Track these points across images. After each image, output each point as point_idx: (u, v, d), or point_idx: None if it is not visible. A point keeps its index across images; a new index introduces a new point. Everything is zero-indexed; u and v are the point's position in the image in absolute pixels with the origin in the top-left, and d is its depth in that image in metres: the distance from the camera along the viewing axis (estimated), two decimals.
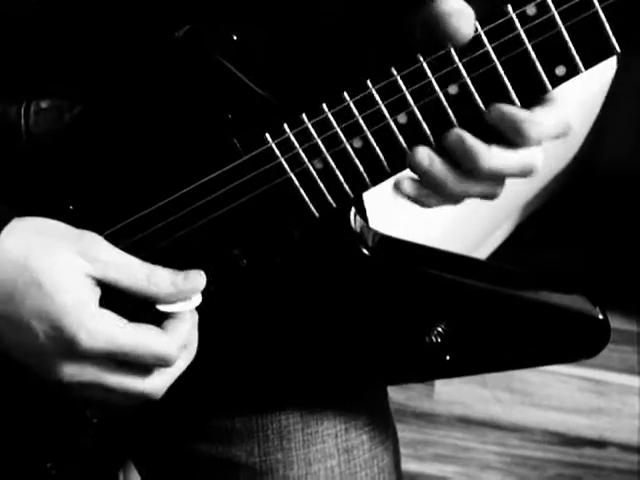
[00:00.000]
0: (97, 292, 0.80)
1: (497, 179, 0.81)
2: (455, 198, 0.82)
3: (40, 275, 0.78)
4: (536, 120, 0.78)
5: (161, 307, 0.82)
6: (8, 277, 0.78)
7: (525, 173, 0.80)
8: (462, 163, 0.80)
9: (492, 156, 0.79)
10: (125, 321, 0.80)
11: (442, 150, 0.81)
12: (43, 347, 0.79)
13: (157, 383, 0.82)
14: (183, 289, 0.82)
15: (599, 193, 2.57)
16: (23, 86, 0.88)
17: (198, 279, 0.83)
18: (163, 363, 0.81)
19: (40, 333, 0.78)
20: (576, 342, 0.90)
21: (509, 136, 0.79)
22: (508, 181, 0.83)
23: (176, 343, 0.81)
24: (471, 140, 0.79)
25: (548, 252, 2.47)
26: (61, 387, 0.81)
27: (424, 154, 0.80)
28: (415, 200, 0.82)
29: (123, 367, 0.80)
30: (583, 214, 2.56)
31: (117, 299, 0.81)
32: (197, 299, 0.84)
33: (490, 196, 0.83)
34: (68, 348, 0.78)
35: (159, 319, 0.82)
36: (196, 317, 0.86)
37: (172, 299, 0.82)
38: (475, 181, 0.80)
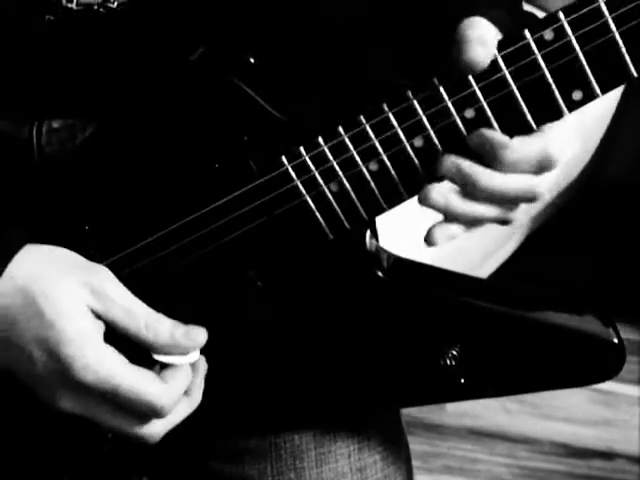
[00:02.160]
0: (101, 326, 0.80)
1: (504, 202, 0.81)
2: (471, 222, 0.83)
3: (43, 304, 0.78)
4: (512, 147, 0.78)
5: (156, 356, 0.82)
6: (13, 304, 0.78)
7: (527, 198, 0.81)
8: (462, 186, 0.81)
9: (491, 178, 0.79)
10: (127, 362, 0.80)
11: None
12: (41, 375, 0.79)
13: (152, 430, 0.82)
14: (181, 343, 0.82)
15: (606, 206, 2.57)
16: (35, 106, 0.88)
17: (198, 336, 0.83)
18: (155, 414, 0.80)
19: (39, 361, 0.78)
20: (591, 366, 0.89)
21: (488, 161, 0.79)
22: None
23: (171, 395, 0.81)
24: (466, 164, 0.80)
25: (556, 262, 2.47)
26: (63, 413, 0.82)
27: (439, 193, 0.81)
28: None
29: (119, 408, 0.80)
30: (591, 225, 2.56)
31: (119, 339, 0.81)
32: (194, 355, 0.84)
33: (503, 221, 0.83)
34: (62, 377, 0.78)
35: (156, 365, 0.82)
36: (203, 365, 0.86)
37: (167, 350, 0.82)
38: (483, 204, 0.81)
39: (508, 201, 0.81)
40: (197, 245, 0.85)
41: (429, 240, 0.82)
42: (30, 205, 0.87)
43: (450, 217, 0.82)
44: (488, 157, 0.79)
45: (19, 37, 0.86)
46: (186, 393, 0.84)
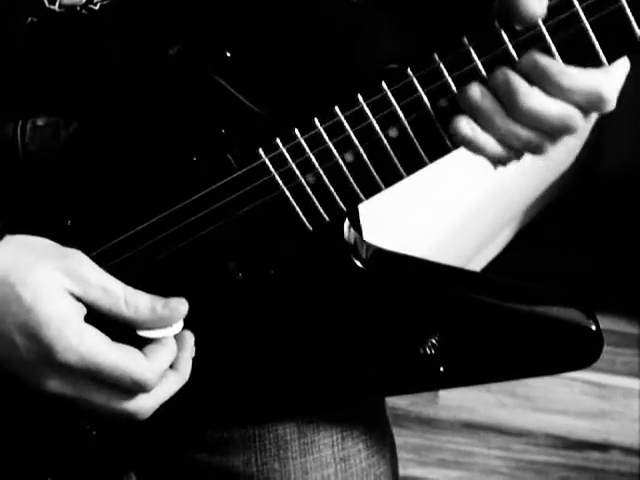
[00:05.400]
0: (81, 308, 0.81)
1: (538, 125, 0.79)
2: (505, 141, 0.81)
3: (20, 289, 0.79)
4: (569, 73, 0.77)
5: (140, 332, 0.83)
6: None
7: (563, 127, 0.79)
8: (505, 101, 0.79)
9: (531, 95, 0.78)
10: (108, 340, 0.80)
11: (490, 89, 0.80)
12: (26, 361, 0.80)
13: (141, 404, 0.83)
14: (162, 316, 0.83)
15: (600, 197, 2.57)
16: (19, 104, 0.89)
17: (179, 307, 0.84)
18: (140, 388, 0.81)
19: (21, 347, 0.79)
20: (569, 353, 0.90)
21: (540, 83, 0.78)
22: (508, 186, 0.83)
23: (155, 369, 0.82)
24: (515, 78, 0.78)
25: (550, 256, 2.47)
26: (51, 399, 0.82)
27: (475, 88, 0.79)
28: (468, 141, 0.81)
29: (105, 385, 0.81)
30: (585, 218, 2.56)
31: (102, 322, 0.81)
32: (177, 326, 0.84)
33: (535, 149, 0.81)
34: (46, 360, 0.79)
35: (142, 343, 0.83)
36: (190, 339, 0.87)
37: (150, 325, 0.83)
38: (520, 123, 0.80)
39: (545, 128, 0.80)
40: (177, 238, 0.86)
41: (453, 126, 0.80)
42: (13, 201, 0.88)
43: (478, 119, 0.80)
44: (538, 81, 0.78)
45: (1, 39, 0.87)
46: (174, 368, 0.85)
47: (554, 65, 0.77)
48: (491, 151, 0.81)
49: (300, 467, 0.98)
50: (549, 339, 0.89)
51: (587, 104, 0.78)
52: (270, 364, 0.93)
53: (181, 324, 0.85)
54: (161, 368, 0.83)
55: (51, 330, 0.79)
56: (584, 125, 0.80)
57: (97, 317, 0.81)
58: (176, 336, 0.85)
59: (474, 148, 0.81)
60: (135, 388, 0.81)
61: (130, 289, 0.82)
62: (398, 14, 0.90)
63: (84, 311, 0.81)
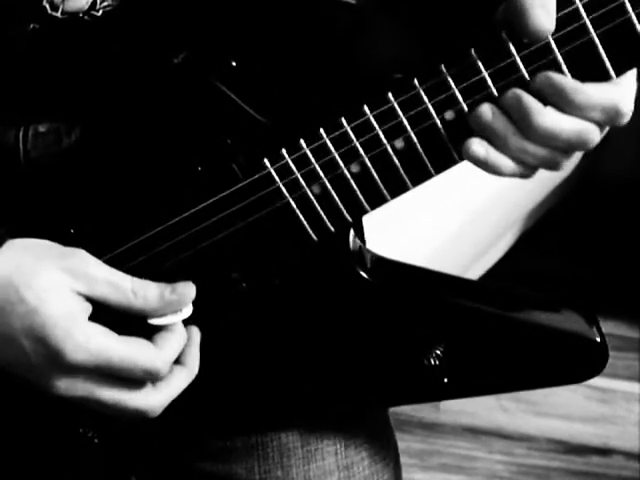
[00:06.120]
0: (87, 307, 0.81)
1: (554, 143, 0.79)
2: (520, 160, 0.80)
3: (24, 292, 0.79)
4: (583, 90, 0.77)
5: (151, 320, 0.83)
6: None
7: (580, 143, 0.79)
8: (518, 121, 0.78)
9: (545, 114, 0.77)
10: (114, 334, 0.80)
11: (501, 109, 0.79)
12: (34, 363, 0.80)
13: (152, 400, 0.83)
14: (171, 301, 0.83)
15: (601, 202, 2.57)
16: (21, 110, 0.89)
17: (187, 290, 0.84)
18: (152, 377, 0.81)
19: (29, 350, 0.79)
20: (574, 365, 0.90)
21: (555, 102, 0.77)
22: (510, 190, 0.83)
23: (164, 356, 0.82)
24: (527, 98, 0.78)
25: (552, 261, 2.48)
26: (60, 400, 0.82)
27: (487, 108, 0.79)
28: (483, 163, 0.80)
29: (116, 382, 0.81)
30: (586, 223, 2.56)
31: (110, 316, 0.81)
32: (187, 311, 0.84)
33: (551, 165, 0.81)
34: (55, 362, 0.79)
35: (150, 333, 0.83)
36: (197, 335, 0.87)
37: (161, 312, 0.83)
38: (534, 142, 0.79)
39: (561, 145, 0.79)
40: (181, 247, 0.86)
41: (465, 148, 0.80)
42: (16, 209, 0.88)
43: (490, 139, 0.80)
44: (552, 100, 0.78)
45: (3, 45, 0.87)
46: (182, 363, 0.85)
47: (568, 83, 0.77)
48: (506, 170, 0.80)
49: (303, 475, 0.99)
50: (554, 351, 0.89)
51: (604, 119, 0.78)
52: (274, 373, 0.93)
53: (191, 308, 0.85)
54: (171, 356, 0.83)
55: (57, 331, 0.78)
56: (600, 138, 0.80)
57: (103, 313, 0.81)
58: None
59: (488, 168, 0.80)
60: (147, 377, 0.81)
61: (136, 279, 0.82)
62: (398, 15, 0.90)
63: (89, 310, 0.81)
